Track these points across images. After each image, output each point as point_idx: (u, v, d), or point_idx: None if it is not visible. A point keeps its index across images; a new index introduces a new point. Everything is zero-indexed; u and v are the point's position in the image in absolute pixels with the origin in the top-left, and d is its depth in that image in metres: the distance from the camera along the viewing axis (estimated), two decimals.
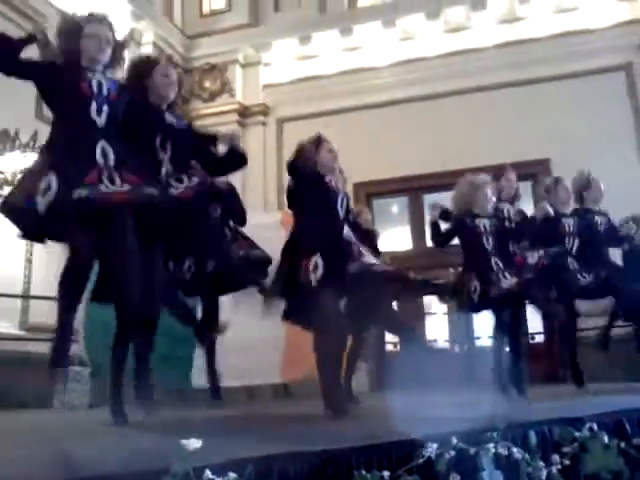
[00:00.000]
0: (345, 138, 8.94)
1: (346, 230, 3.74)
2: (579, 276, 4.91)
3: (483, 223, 4.49)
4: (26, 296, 6.75)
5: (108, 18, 3.14)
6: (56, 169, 2.76)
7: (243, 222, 4.21)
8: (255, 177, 9.04)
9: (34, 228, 2.89)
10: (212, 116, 9.55)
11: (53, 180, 2.72)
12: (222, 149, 3.58)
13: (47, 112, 7.45)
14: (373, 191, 9.15)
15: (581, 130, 8.39)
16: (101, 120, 2.92)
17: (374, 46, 9.75)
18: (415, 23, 9.58)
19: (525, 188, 7.58)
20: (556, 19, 9.08)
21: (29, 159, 6.74)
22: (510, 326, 4.50)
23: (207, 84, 10.07)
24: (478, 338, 8.06)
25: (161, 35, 9.63)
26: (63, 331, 2.85)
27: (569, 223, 5.11)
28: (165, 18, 9.89)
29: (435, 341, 8.53)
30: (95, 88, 2.96)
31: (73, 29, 3.05)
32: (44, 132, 6.88)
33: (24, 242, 6.76)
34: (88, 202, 2.67)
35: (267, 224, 4.86)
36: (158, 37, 9.55)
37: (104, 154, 2.85)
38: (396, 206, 9.91)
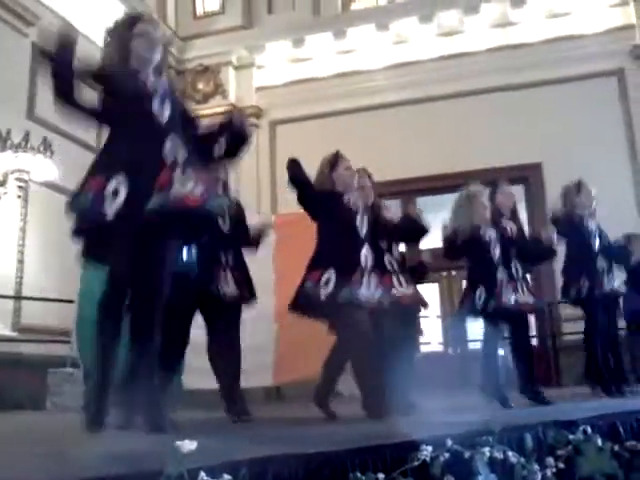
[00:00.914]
0: (338, 141, 8.93)
1: (365, 250, 3.72)
2: (605, 278, 4.94)
3: (489, 234, 4.48)
4: (18, 297, 6.71)
5: (155, 18, 3.07)
6: (124, 170, 2.56)
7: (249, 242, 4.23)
8: (248, 180, 9.02)
9: (97, 241, 2.65)
10: (205, 118, 9.50)
11: (122, 183, 2.53)
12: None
13: (38, 112, 7.54)
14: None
15: (573, 134, 8.44)
16: (164, 116, 2.77)
17: (367, 49, 9.76)
18: (408, 26, 9.60)
19: (517, 192, 7.61)
20: (549, 24, 9.12)
21: (20, 159, 6.75)
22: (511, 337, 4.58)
23: (200, 86, 10.05)
24: (472, 341, 8.07)
25: None
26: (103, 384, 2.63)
27: (591, 226, 5.10)
28: (159, 19, 9.86)
29: (429, 344, 8.54)
30: (153, 86, 2.82)
31: (123, 30, 2.88)
32: (35, 132, 6.97)
33: (16, 242, 6.75)
34: (161, 211, 2.51)
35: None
36: None
37: (173, 150, 2.68)
38: None
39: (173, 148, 2.68)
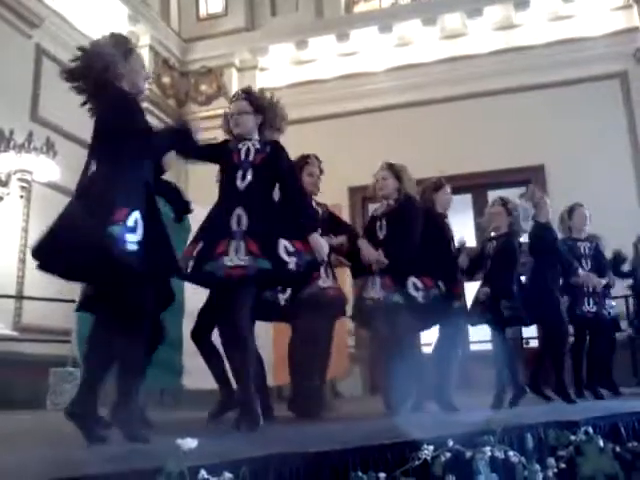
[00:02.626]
0: (341, 142, 8.98)
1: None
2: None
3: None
4: (19, 296, 6.72)
5: (242, 94, 3.51)
6: (203, 238, 3.02)
7: None
8: None
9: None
10: (208, 119, 9.53)
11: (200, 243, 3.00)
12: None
13: (42, 113, 7.56)
14: (369, 195, 9.14)
15: (575, 137, 8.42)
16: (242, 185, 3.09)
17: (370, 51, 9.76)
18: (412, 29, 9.59)
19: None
20: (552, 27, 9.10)
21: (23, 159, 6.76)
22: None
23: (203, 87, 10.06)
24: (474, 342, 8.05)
25: (158, 38, 9.62)
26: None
27: (585, 246, 5.28)
28: (162, 21, 9.88)
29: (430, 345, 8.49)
30: (243, 156, 3.16)
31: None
32: (38, 133, 6.98)
33: (18, 242, 6.76)
34: (213, 277, 2.91)
35: None
36: (155, 40, 9.55)
37: (239, 221, 2.98)
38: None
39: (238, 218, 2.98)
